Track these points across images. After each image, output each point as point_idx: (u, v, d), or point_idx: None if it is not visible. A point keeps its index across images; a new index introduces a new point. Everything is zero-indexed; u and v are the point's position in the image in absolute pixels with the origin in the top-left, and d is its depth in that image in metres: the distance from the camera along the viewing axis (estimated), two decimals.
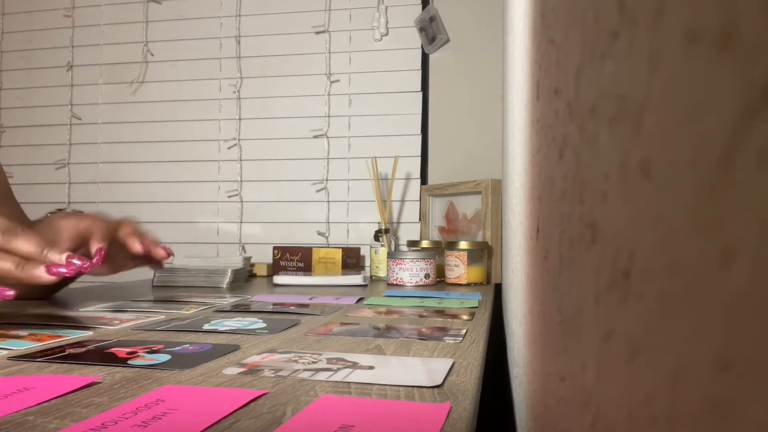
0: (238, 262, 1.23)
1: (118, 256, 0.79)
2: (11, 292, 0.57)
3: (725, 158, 0.08)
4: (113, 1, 1.65)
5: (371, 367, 0.43)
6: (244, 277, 1.23)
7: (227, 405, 0.33)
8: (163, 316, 0.70)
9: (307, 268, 1.34)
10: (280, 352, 0.49)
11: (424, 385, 0.38)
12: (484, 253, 1.22)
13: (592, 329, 0.16)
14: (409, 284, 1.15)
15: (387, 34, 1.50)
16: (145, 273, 1.41)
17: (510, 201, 0.73)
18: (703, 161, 0.08)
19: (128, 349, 0.49)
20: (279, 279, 1.18)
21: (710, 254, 0.08)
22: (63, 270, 0.58)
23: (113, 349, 0.49)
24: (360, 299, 0.90)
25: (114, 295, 0.96)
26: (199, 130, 1.58)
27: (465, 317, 0.71)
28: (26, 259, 0.58)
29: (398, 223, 1.49)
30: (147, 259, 0.81)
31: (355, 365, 0.44)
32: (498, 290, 1.17)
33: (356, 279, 1.15)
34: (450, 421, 0.32)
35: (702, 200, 0.08)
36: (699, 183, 0.09)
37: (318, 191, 1.52)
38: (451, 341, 0.54)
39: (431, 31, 1.45)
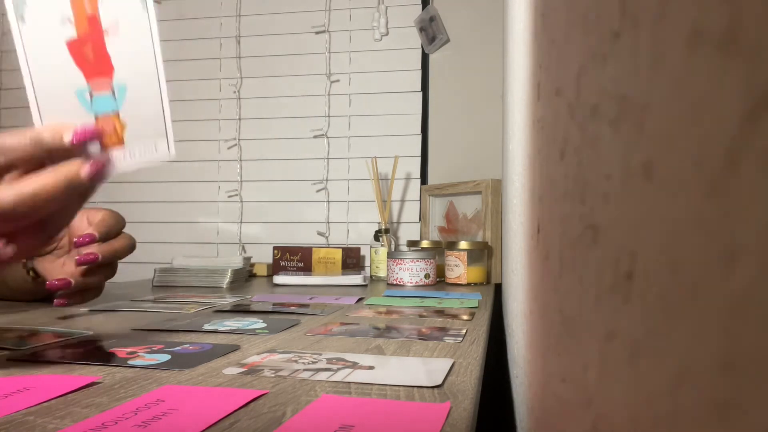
0: (238, 262, 1.23)
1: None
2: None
3: (728, 159, 0.08)
4: None
5: (371, 367, 0.43)
6: (244, 277, 1.23)
7: (227, 405, 0.33)
8: (163, 316, 0.70)
9: (307, 268, 1.34)
10: (280, 352, 0.49)
11: (424, 385, 0.38)
12: (484, 253, 1.22)
13: (594, 330, 0.16)
14: (409, 284, 1.15)
15: (387, 34, 1.50)
16: (145, 273, 1.41)
17: (510, 201, 0.73)
18: (705, 162, 0.08)
19: (128, 349, 0.49)
20: (279, 279, 1.18)
21: (713, 255, 0.08)
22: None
23: (113, 349, 0.49)
24: (360, 299, 0.90)
25: (114, 295, 0.96)
26: (199, 130, 1.58)
27: (465, 317, 0.71)
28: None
29: (398, 223, 1.49)
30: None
31: (355, 365, 0.44)
32: (498, 290, 1.17)
33: (356, 279, 1.15)
34: (450, 421, 0.32)
35: (704, 201, 0.08)
36: (702, 184, 0.09)
37: (318, 191, 1.52)
38: (451, 341, 0.54)
39: (431, 31, 1.45)
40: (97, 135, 0.44)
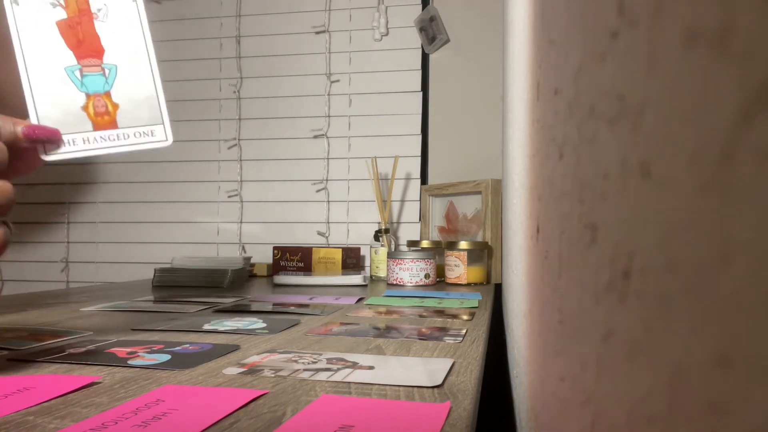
0: (238, 262, 1.23)
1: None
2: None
3: (724, 158, 0.08)
4: None
5: (371, 367, 0.43)
6: (244, 277, 1.23)
7: (227, 405, 0.33)
8: (163, 316, 0.70)
9: (307, 268, 1.34)
10: (280, 352, 0.49)
11: (424, 385, 0.38)
12: (484, 253, 1.22)
13: (592, 329, 0.16)
14: (409, 284, 1.15)
15: (387, 34, 1.50)
16: (145, 273, 1.41)
17: (510, 201, 0.73)
18: (701, 161, 0.08)
19: (128, 349, 0.49)
20: (279, 279, 1.18)
21: (709, 253, 0.08)
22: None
23: (113, 349, 0.49)
24: (360, 299, 0.90)
25: (114, 294, 0.96)
26: (199, 130, 1.58)
27: (465, 317, 0.71)
28: None
29: (398, 223, 1.49)
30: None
31: (355, 365, 0.44)
32: (498, 290, 1.17)
33: (356, 279, 1.15)
34: (450, 421, 0.32)
35: (701, 200, 0.08)
36: (698, 182, 0.09)
37: (318, 191, 1.52)
38: (451, 341, 0.54)
39: (431, 31, 1.45)
40: (51, 134, 0.44)
